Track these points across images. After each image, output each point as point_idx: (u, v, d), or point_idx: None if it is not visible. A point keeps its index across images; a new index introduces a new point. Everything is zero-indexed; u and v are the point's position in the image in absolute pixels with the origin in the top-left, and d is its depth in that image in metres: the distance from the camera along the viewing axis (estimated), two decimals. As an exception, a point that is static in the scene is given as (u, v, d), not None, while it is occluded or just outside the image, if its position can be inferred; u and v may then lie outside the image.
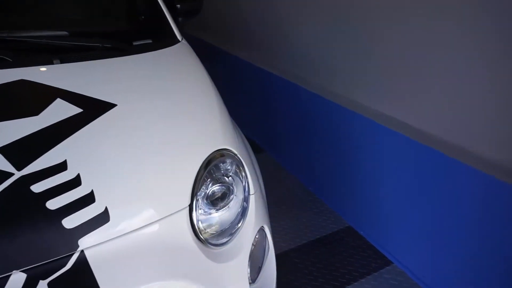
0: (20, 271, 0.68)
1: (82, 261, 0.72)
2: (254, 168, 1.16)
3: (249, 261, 0.96)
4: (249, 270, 0.96)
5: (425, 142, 1.49)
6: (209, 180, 0.95)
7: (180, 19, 1.66)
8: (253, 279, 0.98)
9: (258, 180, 1.14)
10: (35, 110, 0.89)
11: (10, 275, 0.67)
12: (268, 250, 1.07)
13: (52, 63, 1.07)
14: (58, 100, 0.94)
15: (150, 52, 1.26)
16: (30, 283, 0.67)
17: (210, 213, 0.94)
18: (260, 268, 1.04)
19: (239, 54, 3.01)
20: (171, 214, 0.84)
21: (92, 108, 0.94)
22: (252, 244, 0.99)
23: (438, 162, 1.44)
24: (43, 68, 1.05)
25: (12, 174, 0.76)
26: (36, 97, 0.95)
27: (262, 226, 1.05)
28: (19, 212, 0.72)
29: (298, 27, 2.28)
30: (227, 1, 3.28)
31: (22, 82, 0.97)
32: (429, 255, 1.60)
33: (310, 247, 1.89)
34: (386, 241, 1.84)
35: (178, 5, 1.63)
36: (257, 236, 1.02)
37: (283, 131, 2.58)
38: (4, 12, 1.30)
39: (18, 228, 0.70)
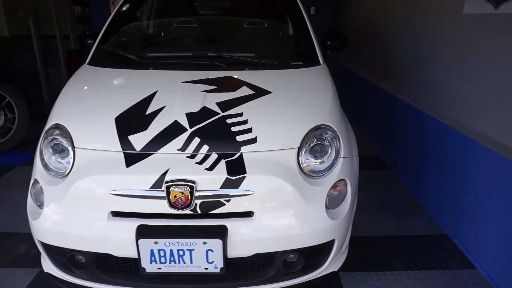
0: (216, 153, 1.48)
1: (240, 157, 1.48)
2: (350, 146, 1.73)
3: (328, 193, 1.54)
4: (327, 199, 1.54)
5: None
6: (314, 139, 1.60)
7: (328, 52, 2.38)
8: (329, 206, 1.56)
9: (351, 153, 1.70)
10: (232, 89, 1.75)
11: (211, 154, 1.47)
12: (345, 195, 1.62)
13: (244, 70, 1.95)
14: (244, 87, 1.78)
15: (299, 69, 2.04)
16: (217, 160, 1.46)
17: (310, 160, 1.59)
18: (337, 205, 1.61)
19: (377, 82, 3.56)
20: (288, 149, 1.53)
21: (259, 92, 1.74)
22: (334, 186, 1.58)
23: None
24: (239, 72, 1.93)
25: (217, 113, 1.60)
26: (234, 84, 1.81)
27: (344, 179, 1.62)
28: (220, 130, 1.54)
29: (438, 61, 2.66)
30: (367, 36, 3.88)
31: (229, 77, 1.86)
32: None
33: (402, 239, 2.25)
34: (476, 250, 2.04)
35: (328, 42, 2.36)
36: (339, 184, 1.60)
37: (408, 152, 2.96)
38: (222, 44, 2.31)
39: (220, 137, 1.52)
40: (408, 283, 1.91)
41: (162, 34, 2.43)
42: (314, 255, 1.58)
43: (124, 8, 2.52)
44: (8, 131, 3.55)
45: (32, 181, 1.61)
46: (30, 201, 1.59)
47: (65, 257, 1.53)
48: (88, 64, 2.10)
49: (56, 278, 1.63)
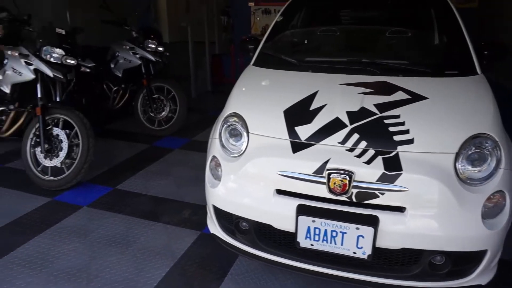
0: (373, 149, 1.61)
1: (397, 155, 1.58)
2: (511, 159, 1.67)
3: (484, 202, 1.53)
4: (483, 208, 1.53)
5: None
6: (473, 147, 1.60)
7: (484, 62, 2.29)
8: (484, 216, 1.54)
9: (511, 166, 1.65)
10: (388, 93, 1.85)
11: (368, 149, 1.61)
12: (503, 208, 1.58)
13: (398, 76, 2.03)
14: (400, 91, 1.87)
15: (455, 77, 2.03)
16: (375, 155, 1.59)
17: (466, 167, 1.59)
18: (494, 216, 1.58)
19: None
20: (445, 153, 1.58)
21: (415, 97, 1.81)
22: (491, 197, 1.55)
23: None
24: (393, 78, 2.02)
25: (375, 114, 1.73)
26: (389, 89, 1.91)
27: (503, 191, 1.58)
28: (378, 129, 1.67)
29: None
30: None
31: (384, 82, 1.97)
32: None
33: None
34: None
35: (486, 52, 2.27)
36: (497, 196, 1.57)
37: None
38: (375, 51, 2.42)
39: (377, 135, 1.65)
40: None
41: (317, 41, 2.66)
42: (462, 262, 1.59)
43: (281, 18, 2.85)
44: (170, 119, 4.27)
45: (210, 157, 1.97)
46: (208, 173, 1.96)
47: (231, 222, 1.85)
48: (253, 65, 2.45)
49: (220, 239, 1.97)
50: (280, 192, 1.68)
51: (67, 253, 2.20)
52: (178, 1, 7.09)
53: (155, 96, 4.23)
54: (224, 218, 1.90)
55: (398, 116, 1.71)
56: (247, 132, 1.85)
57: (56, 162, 2.89)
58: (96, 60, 3.53)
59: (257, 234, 1.78)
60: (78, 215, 2.61)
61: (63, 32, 2.93)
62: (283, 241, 1.75)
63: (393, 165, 1.55)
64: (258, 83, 2.24)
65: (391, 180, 1.52)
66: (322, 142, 1.68)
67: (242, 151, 1.83)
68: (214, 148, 1.96)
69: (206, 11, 6.41)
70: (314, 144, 1.68)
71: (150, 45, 4.13)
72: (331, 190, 1.57)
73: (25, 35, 2.97)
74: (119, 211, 2.67)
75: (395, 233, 1.53)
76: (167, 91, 4.26)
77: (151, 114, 4.28)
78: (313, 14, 3.12)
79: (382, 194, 1.53)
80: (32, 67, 2.89)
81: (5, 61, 3.04)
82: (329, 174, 1.56)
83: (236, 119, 1.92)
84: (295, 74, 2.20)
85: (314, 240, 1.61)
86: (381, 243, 1.54)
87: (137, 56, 4.13)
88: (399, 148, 1.60)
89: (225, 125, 1.96)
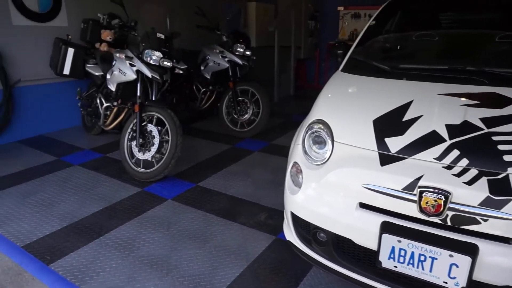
0: (476, 168, 1.42)
1: (506, 178, 1.37)
2: None
3: None
4: None
5: None
6: None
7: None
8: None
9: None
10: (499, 106, 1.63)
11: (470, 168, 1.43)
12: None
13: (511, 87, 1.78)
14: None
15: None
16: (478, 176, 1.41)
17: None
18: None
19: None
20: None
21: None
22: None
23: None
24: (506, 89, 1.77)
25: (481, 129, 1.53)
26: (501, 101, 1.68)
27: None
28: (484, 147, 1.47)
29: None
30: None
31: (494, 93, 1.74)
32: None
33: None
34: None
35: None
36: None
37: None
38: (481, 58, 2.16)
39: (483, 153, 1.46)
40: None
41: (413, 47, 2.48)
42: None
43: (374, 23, 2.71)
44: (252, 122, 4.36)
45: (291, 163, 1.95)
46: (288, 179, 1.94)
47: (308, 231, 1.80)
48: (342, 71, 2.36)
49: (295, 247, 1.93)
50: (363, 206, 1.59)
51: (151, 241, 2.36)
52: (267, 7, 7.24)
53: (240, 98, 4.36)
54: (302, 226, 1.85)
55: (510, 133, 1.49)
56: (332, 140, 1.78)
57: (148, 155, 3.14)
58: (188, 62, 3.77)
59: (335, 247, 1.70)
60: (163, 206, 2.79)
61: (163, 36, 3.17)
62: (362, 258, 1.65)
63: (501, 189, 1.36)
64: (346, 90, 2.15)
65: (497, 205, 1.33)
66: (415, 156, 1.54)
67: (326, 159, 1.77)
68: (296, 154, 1.93)
69: (293, 16, 6.43)
70: (405, 158, 1.55)
71: (239, 49, 4.27)
72: (422, 210, 1.43)
73: (131, 39, 3.27)
74: (200, 207, 2.79)
75: (498, 267, 1.33)
76: (252, 94, 4.36)
77: (235, 115, 4.42)
78: (409, 17, 2.91)
79: (485, 220, 1.34)
80: (134, 68, 3.18)
81: (113, 62, 3.40)
82: (421, 192, 1.42)
83: (321, 126, 1.87)
84: (387, 81, 2.06)
85: (398, 262, 1.48)
86: (480, 276, 1.36)
87: (226, 59, 4.30)
88: (510, 170, 1.39)
89: (309, 132, 1.92)
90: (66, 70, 4.02)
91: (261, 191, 3.05)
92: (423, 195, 1.42)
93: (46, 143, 4.21)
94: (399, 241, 1.46)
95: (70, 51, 3.97)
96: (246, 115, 4.37)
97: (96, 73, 3.97)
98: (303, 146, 1.91)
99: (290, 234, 1.97)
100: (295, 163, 1.90)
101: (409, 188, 1.46)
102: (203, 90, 4.62)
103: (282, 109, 5.82)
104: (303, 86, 7.71)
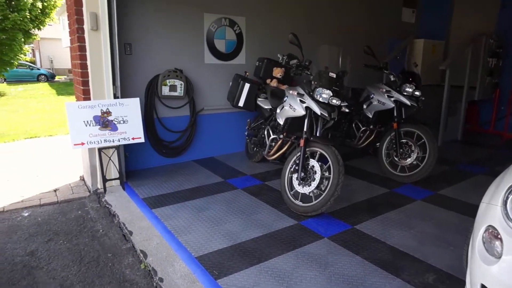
0: None
1: None
2: None
3: None
4: None
5: None
6: None
7: None
8: None
9: None
10: None
11: None
12: None
13: None
14: None
15: None
16: None
17: None
18: None
19: None
20: None
21: None
22: None
23: None
24: None
25: None
26: None
27: None
28: None
29: None
30: None
31: None
32: None
33: None
34: None
35: None
36: None
37: None
38: None
39: None
40: None
41: None
42: None
43: None
44: (414, 167, 4.01)
45: (484, 226, 1.67)
46: (480, 245, 1.66)
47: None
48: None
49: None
50: None
51: (308, 279, 2.34)
52: (435, 43, 6.73)
53: (403, 140, 4.08)
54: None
55: None
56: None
57: (307, 190, 3.20)
58: (349, 100, 3.75)
59: None
60: (319, 244, 2.76)
61: (334, 76, 3.25)
62: None
63: None
64: None
65: None
66: None
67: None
68: (492, 217, 1.65)
69: (469, 53, 5.78)
70: None
71: (407, 89, 4.04)
72: None
73: (304, 77, 3.46)
74: (357, 252, 2.65)
75: None
76: (417, 137, 4.03)
77: (395, 158, 4.15)
78: None
79: None
80: (304, 105, 3.33)
81: (285, 98, 3.65)
82: None
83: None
84: None
85: None
86: None
87: (392, 99, 4.12)
88: None
89: (513, 194, 1.62)
90: (241, 103, 4.51)
91: (427, 247, 2.71)
92: None
93: (215, 165, 4.76)
94: None
95: (246, 86, 4.46)
96: (408, 159, 4.06)
97: (266, 107, 4.33)
98: (505, 208, 1.62)
99: (476, 310, 1.66)
100: (491, 226, 1.62)
101: None
102: (363, 128, 4.51)
103: (447, 155, 5.19)
104: (472, 131, 6.77)
